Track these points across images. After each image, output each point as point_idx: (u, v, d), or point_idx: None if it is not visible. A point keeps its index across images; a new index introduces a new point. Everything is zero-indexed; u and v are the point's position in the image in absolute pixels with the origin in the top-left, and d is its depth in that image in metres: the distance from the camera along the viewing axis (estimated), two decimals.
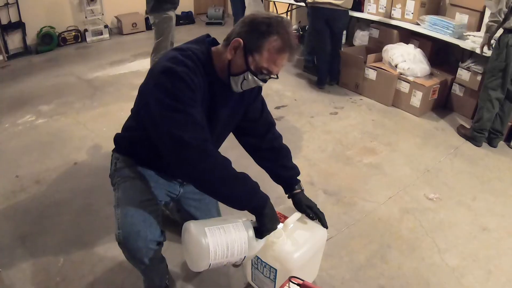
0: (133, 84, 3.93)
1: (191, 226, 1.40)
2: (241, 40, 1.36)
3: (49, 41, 5.16)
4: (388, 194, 2.58)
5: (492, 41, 2.96)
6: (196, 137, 1.34)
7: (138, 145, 1.65)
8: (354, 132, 3.33)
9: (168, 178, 1.77)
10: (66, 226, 2.25)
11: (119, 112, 3.45)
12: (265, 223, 1.45)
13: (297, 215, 1.60)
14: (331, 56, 3.99)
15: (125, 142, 1.72)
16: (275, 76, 1.44)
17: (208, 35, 1.53)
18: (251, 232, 1.43)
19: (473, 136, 3.14)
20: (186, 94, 1.33)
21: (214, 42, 1.52)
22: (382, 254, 2.12)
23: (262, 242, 1.48)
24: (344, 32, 4.37)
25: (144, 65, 4.55)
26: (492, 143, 3.14)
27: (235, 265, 1.42)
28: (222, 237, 1.38)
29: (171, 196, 1.82)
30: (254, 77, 1.40)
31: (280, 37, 1.34)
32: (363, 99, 3.94)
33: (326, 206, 1.66)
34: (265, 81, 1.44)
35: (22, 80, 4.17)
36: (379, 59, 3.86)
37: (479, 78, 3.31)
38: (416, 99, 3.51)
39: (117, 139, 1.76)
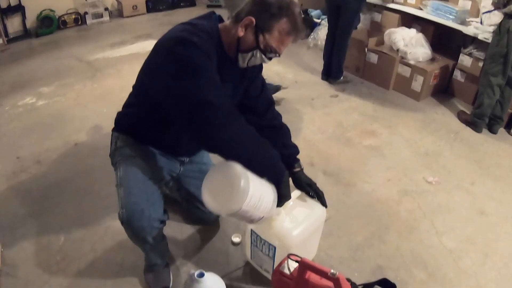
0: (134, 65, 3.88)
1: (236, 165, 1.36)
2: (253, 19, 1.38)
3: (49, 24, 5.12)
4: (387, 176, 2.60)
5: (493, 28, 2.95)
6: (223, 99, 1.38)
7: (140, 122, 1.65)
8: (354, 114, 3.33)
9: (169, 157, 1.78)
10: (66, 206, 2.27)
11: (119, 93, 3.39)
12: (284, 190, 1.48)
13: (297, 193, 1.61)
14: (332, 49, 3.77)
15: (126, 120, 1.72)
16: (279, 55, 1.48)
17: (214, 12, 1.54)
18: (276, 196, 1.45)
19: (473, 122, 3.13)
20: (204, 61, 1.35)
21: (221, 19, 1.54)
22: (380, 234, 2.14)
23: (279, 210, 1.50)
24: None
25: (144, 47, 4.53)
26: (492, 129, 3.14)
27: (251, 221, 1.40)
28: (258, 187, 1.37)
29: (171, 174, 1.83)
30: (263, 55, 1.44)
31: (289, 20, 1.39)
32: (364, 82, 3.93)
33: (325, 186, 1.67)
34: (270, 59, 1.48)
35: (22, 63, 4.16)
36: (381, 43, 3.84)
37: (480, 64, 3.29)
38: (417, 84, 3.50)
39: (118, 117, 1.76)
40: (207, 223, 2.16)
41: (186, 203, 2.07)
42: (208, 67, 1.36)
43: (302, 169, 1.70)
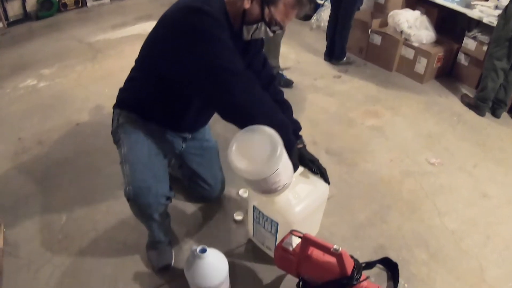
0: (135, 46, 3.82)
1: (267, 127, 1.36)
2: None
3: (49, 6, 5.05)
4: (389, 156, 2.59)
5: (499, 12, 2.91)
6: (240, 65, 1.39)
7: (143, 96, 1.64)
8: (357, 95, 3.31)
9: (172, 133, 1.77)
10: (68, 185, 2.27)
11: (121, 74, 3.32)
12: (295, 159, 1.51)
13: (299, 169, 1.60)
14: (335, 30, 3.72)
15: (129, 95, 1.70)
16: (283, 29, 1.48)
17: None
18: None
19: (476, 105, 3.11)
20: (219, 29, 1.35)
21: None
22: (382, 214, 2.14)
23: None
24: None
25: (145, 28, 4.44)
26: (495, 113, 3.12)
27: (275, 189, 1.40)
28: (286, 155, 1.39)
29: (174, 152, 1.82)
30: (267, 27, 1.44)
31: None
32: (367, 64, 3.90)
33: (327, 165, 1.66)
34: (274, 32, 1.47)
35: (23, 45, 4.11)
36: (384, 24, 3.79)
37: (485, 48, 3.25)
38: (421, 66, 3.47)
39: (120, 93, 1.74)
40: (209, 201, 2.16)
41: (189, 181, 2.07)
42: (223, 35, 1.36)
43: (304, 146, 1.69)
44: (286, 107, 1.74)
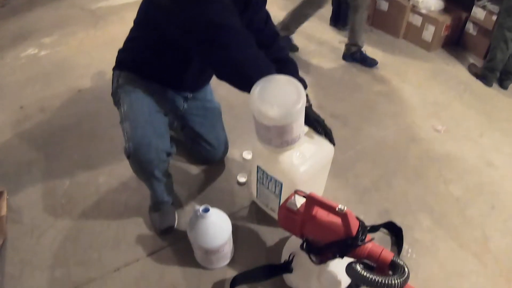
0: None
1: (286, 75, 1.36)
2: None
3: None
4: (395, 122, 2.57)
5: None
6: (238, 22, 1.36)
7: (142, 55, 1.61)
8: None
9: (173, 93, 1.74)
10: (71, 151, 2.26)
11: (123, 39, 3.31)
12: None
13: (305, 129, 1.57)
14: None
15: (128, 55, 1.68)
16: None
17: None
18: None
19: (484, 75, 3.05)
20: None
21: None
22: (387, 179, 2.13)
23: None
24: None
25: None
26: (503, 84, 3.06)
27: (292, 140, 1.40)
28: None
29: (175, 112, 1.79)
30: None
31: None
32: (373, 30, 3.81)
33: (333, 129, 1.64)
34: None
35: (23, 15, 4.03)
36: None
37: (494, 18, 3.16)
38: (428, 33, 3.40)
39: (120, 54, 1.72)
40: (212, 163, 2.14)
41: (191, 143, 2.04)
42: None
43: (310, 105, 1.65)
44: (291, 65, 1.70)
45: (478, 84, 3.07)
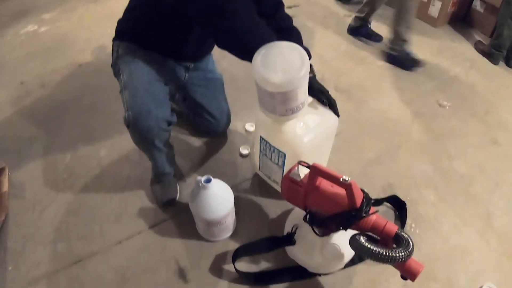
0: None
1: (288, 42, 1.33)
2: None
3: None
4: (400, 96, 2.54)
5: None
6: None
7: (142, 24, 1.58)
8: None
9: (174, 63, 1.71)
10: (72, 125, 2.25)
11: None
12: None
13: (309, 99, 1.54)
14: None
15: (128, 25, 1.65)
16: None
17: None
18: None
19: (490, 53, 3.00)
20: None
21: None
22: (391, 153, 2.11)
23: None
24: None
25: None
26: (509, 63, 3.01)
27: (297, 107, 1.38)
28: None
29: (177, 82, 1.77)
30: None
31: None
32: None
33: (337, 102, 1.62)
34: None
35: None
36: None
37: None
38: (435, 9, 3.33)
39: (119, 24, 1.69)
40: (214, 135, 2.13)
41: (193, 114, 2.03)
42: None
43: (314, 75, 1.61)
44: (295, 35, 1.66)
45: (484, 61, 3.02)
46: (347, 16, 3.35)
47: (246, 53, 1.34)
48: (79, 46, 2.97)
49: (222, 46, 1.42)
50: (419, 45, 3.09)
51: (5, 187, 1.87)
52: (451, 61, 2.95)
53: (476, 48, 3.15)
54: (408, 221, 1.78)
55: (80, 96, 2.46)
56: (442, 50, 3.08)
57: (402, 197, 1.84)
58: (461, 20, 3.53)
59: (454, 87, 2.67)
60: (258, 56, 1.30)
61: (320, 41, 3.10)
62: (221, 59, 2.36)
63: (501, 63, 3.01)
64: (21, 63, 2.82)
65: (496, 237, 1.76)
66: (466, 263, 1.65)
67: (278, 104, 1.35)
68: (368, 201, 1.28)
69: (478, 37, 3.33)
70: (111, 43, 1.74)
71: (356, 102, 2.47)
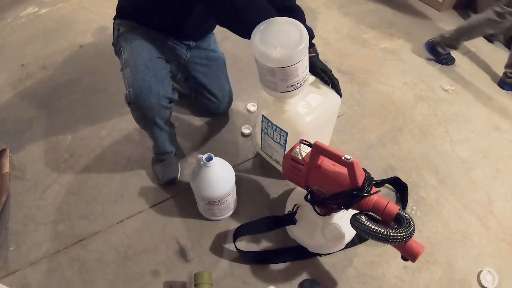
0: None
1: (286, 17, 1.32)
2: None
3: None
4: (403, 79, 2.52)
5: None
6: None
7: (144, 2, 1.56)
8: (372, 17, 3.18)
9: (175, 41, 1.70)
10: (73, 106, 2.25)
11: None
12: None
13: (311, 78, 1.52)
14: None
15: (129, 3, 1.63)
16: None
17: None
18: None
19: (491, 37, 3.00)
20: None
21: None
22: (393, 135, 2.10)
23: None
24: None
25: None
26: (510, 46, 2.97)
27: (298, 83, 1.37)
28: None
29: (178, 60, 1.75)
30: None
31: None
32: None
33: (339, 84, 1.61)
34: None
35: None
36: None
37: None
38: None
39: (120, 1, 1.67)
40: (216, 114, 2.13)
41: (195, 94, 2.02)
42: None
43: (317, 54, 1.60)
44: (298, 14, 1.62)
45: (489, 47, 2.99)
46: None
47: (245, 30, 1.32)
48: (80, 27, 2.96)
49: (222, 24, 1.41)
50: (423, 29, 3.07)
51: (7, 168, 1.87)
52: None
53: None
54: (409, 203, 1.78)
55: (81, 77, 2.45)
56: None
57: (403, 179, 1.83)
58: (466, 5, 3.48)
59: (458, 72, 2.64)
60: (257, 32, 1.28)
61: (323, 23, 3.07)
62: (224, 40, 2.34)
63: (506, 49, 2.96)
64: (22, 45, 2.80)
65: (496, 223, 1.76)
66: (466, 248, 1.66)
67: (279, 81, 1.33)
68: (370, 181, 1.27)
69: None
70: (111, 24, 1.73)
71: (359, 84, 2.46)
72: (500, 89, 2.54)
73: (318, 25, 3.04)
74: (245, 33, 1.32)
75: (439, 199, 1.83)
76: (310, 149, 1.33)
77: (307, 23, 1.51)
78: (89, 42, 2.78)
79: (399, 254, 1.25)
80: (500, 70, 2.64)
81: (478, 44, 2.96)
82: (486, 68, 2.73)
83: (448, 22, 3.21)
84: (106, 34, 2.83)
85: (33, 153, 1.99)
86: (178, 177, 1.82)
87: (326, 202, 1.35)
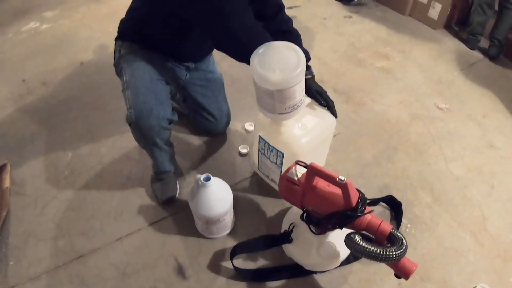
0: None
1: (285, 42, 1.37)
2: None
3: None
4: (398, 98, 2.56)
5: None
6: None
7: (144, 24, 1.60)
8: (367, 36, 3.23)
9: (175, 63, 1.73)
10: (74, 123, 2.27)
11: (125, 12, 3.31)
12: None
13: (307, 100, 1.56)
14: None
15: (130, 25, 1.66)
16: None
17: None
18: None
19: (467, 39, 3.18)
20: None
21: None
22: (388, 154, 2.13)
23: None
24: None
25: None
26: (489, 51, 3.08)
27: (295, 104, 1.41)
28: None
29: (177, 81, 1.79)
30: None
31: None
32: (379, 6, 3.76)
33: (335, 103, 1.64)
34: None
35: None
36: None
37: None
38: (435, 12, 3.35)
39: (122, 23, 1.71)
40: (214, 134, 2.16)
41: (194, 113, 2.05)
42: None
43: (313, 77, 1.64)
44: (294, 37, 1.68)
45: (483, 64, 3.03)
46: (347, 17, 3.37)
47: (243, 55, 1.36)
48: (81, 44, 2.99)
49: (220, 48, 1.44)
50: (418, 47, 3.13)
51: (7, 184, 1.89)
52: (450, 64, 2.96)
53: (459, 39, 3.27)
54: (404, 221, 1.80)
55: (82, 94, 2.48)
56: (441, 53, 3.10)
57: (398, 198, 1.86)
58: (461, 22, 3.54)
59: (453, 90, 2.68)
60: (256, 56, 1.32)
61: (319, 42, 3.12)
62: (222, 61, 2.38)
63: (500, 68, 3.00)
64: (23, 60, 2.83)
65: (491, 240, 1.77)
66: (461, 265, 1.67)
67: (277, 103, 1.37)
68: (364, 201, 1.30)
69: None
70: (112, 42, 1.76)
71: (355, 104, 2.49)
72: (496, 107, 2.57)
73: (315, 45, 3.09)
74: (243, 57, 1.36)
75: (434, 217, 1.84)
76: (305, 170, 1.37)
77: (304, 43, 1.55)
78: (89, 59, 2.82)
79: (393, 272, 1.27)
80: (493, 89, 2.70)
81: (474, 62, 3.02)
82: (481, 86, 2.76)
83: (443, 40, 3.27)
84: (107, 52, 2.87)
85: (33, 169, 2.01)
86: (177, 195, 1.84)
87: (321, 222, 1.38)
